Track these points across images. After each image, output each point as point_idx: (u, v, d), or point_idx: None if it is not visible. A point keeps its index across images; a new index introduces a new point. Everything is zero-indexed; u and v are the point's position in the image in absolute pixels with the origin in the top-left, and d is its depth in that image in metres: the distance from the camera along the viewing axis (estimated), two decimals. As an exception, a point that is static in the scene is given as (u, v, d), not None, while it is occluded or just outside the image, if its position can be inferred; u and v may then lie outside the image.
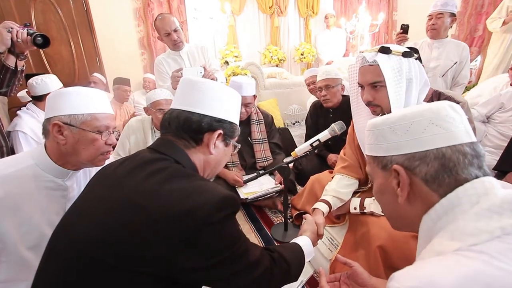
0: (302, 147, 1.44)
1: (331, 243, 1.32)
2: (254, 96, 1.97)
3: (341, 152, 1.41)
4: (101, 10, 3.57)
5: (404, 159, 0.51)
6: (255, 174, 1.60)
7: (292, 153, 1.47)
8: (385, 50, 0.98)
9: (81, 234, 0.57)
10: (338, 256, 0.84)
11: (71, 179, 0.95)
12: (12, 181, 0.82)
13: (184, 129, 0.71)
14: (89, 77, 3.25)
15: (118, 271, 0.54)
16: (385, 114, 1.04)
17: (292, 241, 0.91)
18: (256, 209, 1.94)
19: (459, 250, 0.40)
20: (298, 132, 3.59)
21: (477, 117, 2.20)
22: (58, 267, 0.58)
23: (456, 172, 0.47)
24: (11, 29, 1.24)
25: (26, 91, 2.11)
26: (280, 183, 1.84)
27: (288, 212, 1.68)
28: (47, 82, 1.89)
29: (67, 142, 0.86)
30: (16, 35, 1.25)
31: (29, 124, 1.84)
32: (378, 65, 0.97)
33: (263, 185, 1.85)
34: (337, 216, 1.35)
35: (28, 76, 1.93)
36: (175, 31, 1.99)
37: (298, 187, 2.06)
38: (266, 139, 2.06)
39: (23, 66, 1.42)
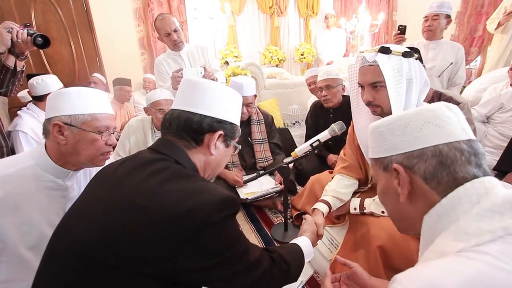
0: (302, 147, 1.44)
1: (331, 243, 1.32)
2: (255, 96, 1.97)
3: (341, 153, 1.41)
4: (101, 10, 3.57)
5: (403, 158, 0.52)
6: (255, 174, 1.60)
7: (292, 153, 1.47)
8: (385, 50, 0.98)
9: (81, 235, 0.57)
10: (337, 257, 0.84)
11: (71, 179, 0.95)
12: (12, 181, 0.82)
13: (185, 129, 0.71)
14: (89, 77, 3.25)
15: (118, 271, 0.54)
16: (385, 114, 1.04)
17: (292, 241, 0.91)
18: (256, 209, 1.94)
19: (462, 251, 0.40)
20: (298, 132, 3.59)
21: (477, 118, 2.21)
22: (58, 268, 0.58)
23: (454, 169, 0.48)
24: (11, 30, 1.24)
25: (28, 91, 2.11)
26: (280, 183, 1.84)
27: (288, 212, 1.68)
28: (48, 82, 1.89)
29: (67, 142, 0.86)
30: (16, 36, 1.25)
31: (30, 124, 1.84)
32: (378, 65, 0.97)
33: (263, 185, 1.85)
34: (337, 216, 1.35)
35: (30, 76, 1.93)
36: (175, 31, 1.99)
37: (298, 187, 2.06)
38: (266, 139, 2.06)
39: (23, 67, 1.42)
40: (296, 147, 1.48)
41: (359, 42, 5.03)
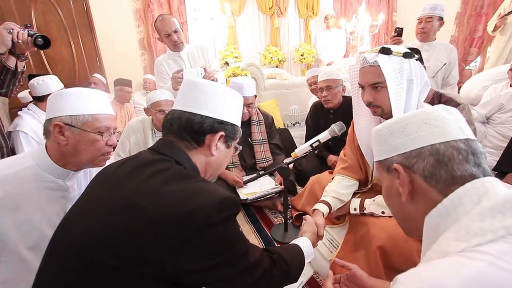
0: (302, 148, 1.44)
1: (331, 243, 1.32)
2: (255, 96, 1.97)
3: (341, 153, 1.41)
4: (101, 11, 3.58)
5: (403, 158, 0.54)
6: (255, 174, 1.60)
7: (292, 154, 1.47)
8: (385, 51, 0.98)
9: (81, 235, 0.57)
10: (336, 259, 0.84)
11: (71, 180, 0.95)
12: (12, 182, 0.82)
13: (186, 130, 0.71)
14: (89, 78, 3.26)
15: (118, 272, 0.54)
16: (385, 115, 1.05)
17: (292, 242, 0.91)
18: (256, 209, 1.94)
19: (463, 250, 0.40)
20: (298, 132, 3.59)
21: (477, 118, 2.21)
22: (58, 268, 0.58)
23: (452, 167, 0.48)
24: (11, 30, 1.24)
25: (28, 92, 2.11)
26: (280, 184, 1.84)
27: (288, 212, 1.68)
28: (48, 83, 1.89)
29: (68, 142, 0.86)
30: (17, 36, 1.25)
31: (30, 125, 1.84)
32: (378, 65, 0.97)
33: (263, 186, 1.86)
34: (337, 216, 1.35)
35: (31, 77, 1.94)
36: (175, 32, 1.99)
37: (298, 187, 2.06)
38: (266, 140, 2.07)
39: (24, 67, 1.42)
40: (296, 147, 1.48)
41: (359, 43, 5.04)
